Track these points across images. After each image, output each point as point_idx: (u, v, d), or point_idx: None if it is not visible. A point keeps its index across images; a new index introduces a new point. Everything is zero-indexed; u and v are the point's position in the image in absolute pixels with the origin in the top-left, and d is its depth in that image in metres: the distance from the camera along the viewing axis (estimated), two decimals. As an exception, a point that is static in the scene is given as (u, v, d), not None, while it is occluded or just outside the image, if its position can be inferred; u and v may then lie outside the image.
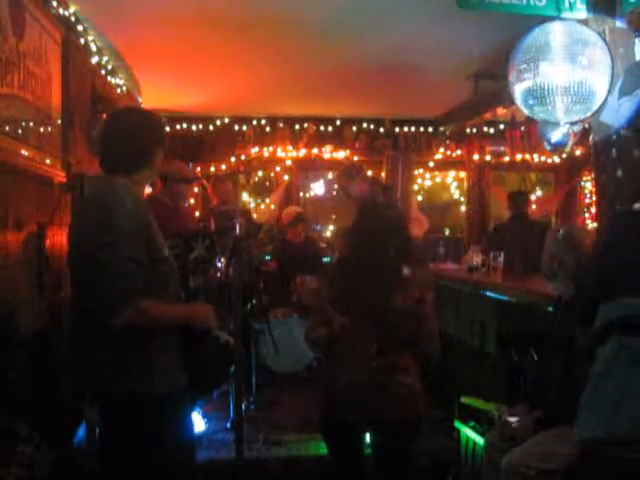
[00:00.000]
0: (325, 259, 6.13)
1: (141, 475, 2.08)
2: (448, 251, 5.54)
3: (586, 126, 3.18)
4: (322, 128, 7.28)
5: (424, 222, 6.01)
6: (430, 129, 7.45)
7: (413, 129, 7.44)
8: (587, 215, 7.42)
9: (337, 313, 2.64)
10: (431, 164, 7.56)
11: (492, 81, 5.20)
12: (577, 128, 2.97)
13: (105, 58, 4.68)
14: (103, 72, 4.77)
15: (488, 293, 3.82)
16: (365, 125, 7.35)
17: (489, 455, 2.78)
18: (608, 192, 3.01)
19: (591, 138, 3.11)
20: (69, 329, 2.56)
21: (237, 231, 3.75)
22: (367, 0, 3.89)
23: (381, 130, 7.38)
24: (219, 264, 3.91)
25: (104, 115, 4.33)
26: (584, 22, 2.93)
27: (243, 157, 7.23)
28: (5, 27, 2.87)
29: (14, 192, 3.02)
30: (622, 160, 2.92)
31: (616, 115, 2.86)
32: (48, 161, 3.51)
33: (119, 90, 5.26)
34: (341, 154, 7.27)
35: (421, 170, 7.53)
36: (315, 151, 7.26)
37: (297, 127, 7.26)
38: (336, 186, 7.04)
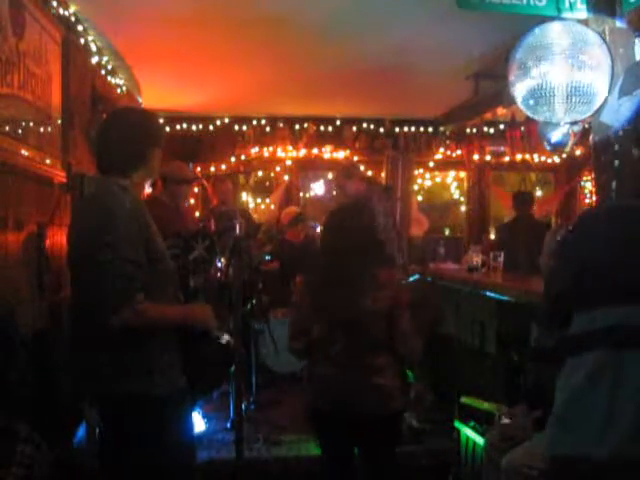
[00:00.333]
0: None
1: (141, 475, 2.08)
2: (448, 251, 5.52)
3: (586, 126, 3.17)
4: (322, 128, 7.28)
5: (424, 222, 6.02)
6: (430, 129, 7.46)
7: (413, 129, 7.44)
8: (587, 215, 7.41)
9: (313, 317, 2.67)
10: (431, 164, 7.57)
11: (492, 81, 5.20)
12: (577, 128, 2.96)
13: (105, 58, 4.68)
14: (103, 72, 4.78)
15: (488, 293, 3.82)
16: (365, 125, 7.35)
17: (489, 455, 2.78)
18: (608, 192, 3.01)
19: (591, 138, 3.10)
20: (69, 329, 2.56)
21: (237, 231, 3.76)
22: (367, 0, 3.90)
23: (381, 130, 7.38)
24: (219, 264, 3.91)
25: (104, 115, 4.33)
26: (584, 22, 2.93)
27: (243, 157, 7.23)
28: (5, 27, 2.87)
29: (14, 192, 3.02)
30: (622, 160, 2.91)
31: (616, 115, 2.85)
32: (48, 161, 3.51)
33: (119, 90, 5.26)
34: (341, 154, 7.27)
35: (421, 170, 7.53)
36: (315, 151, 7.26)
37: (297, 127, 7.26)
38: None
